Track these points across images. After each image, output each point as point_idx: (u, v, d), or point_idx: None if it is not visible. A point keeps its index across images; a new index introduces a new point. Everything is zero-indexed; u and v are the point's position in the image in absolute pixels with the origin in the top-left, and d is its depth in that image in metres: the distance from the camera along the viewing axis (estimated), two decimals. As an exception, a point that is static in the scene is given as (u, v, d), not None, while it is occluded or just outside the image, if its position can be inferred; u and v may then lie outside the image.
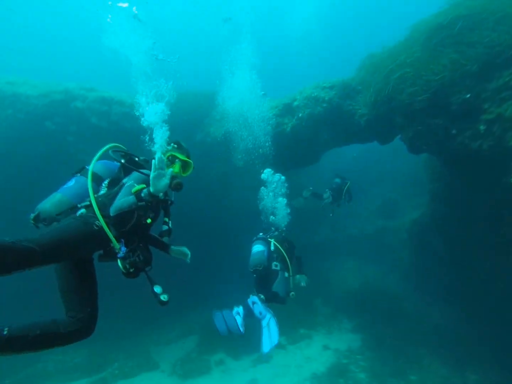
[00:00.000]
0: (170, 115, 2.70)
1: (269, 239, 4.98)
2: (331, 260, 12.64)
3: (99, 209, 2.14)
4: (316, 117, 7.38)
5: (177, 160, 2.57)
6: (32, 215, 2.29)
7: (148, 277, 2.40)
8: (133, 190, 2.23)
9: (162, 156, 2.30)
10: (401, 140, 6.17)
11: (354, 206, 11.62)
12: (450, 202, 7.50)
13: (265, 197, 6.39)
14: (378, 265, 12.03)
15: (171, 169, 2.40)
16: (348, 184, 7.59)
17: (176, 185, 2.41)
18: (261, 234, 5.23)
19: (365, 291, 10.88)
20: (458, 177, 6.26)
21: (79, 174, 2.53)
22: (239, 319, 4.46)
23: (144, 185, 2.25)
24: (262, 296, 4.70)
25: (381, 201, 13.54)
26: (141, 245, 2.35)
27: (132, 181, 2.33)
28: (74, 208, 2.30)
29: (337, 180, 7.80)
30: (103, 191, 2.44)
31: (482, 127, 4.91)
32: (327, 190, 7.75)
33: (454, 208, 7.43)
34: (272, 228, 5.58)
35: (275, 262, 4.80)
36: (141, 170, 2.40)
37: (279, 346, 9.69)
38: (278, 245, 4.82)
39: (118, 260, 2.23)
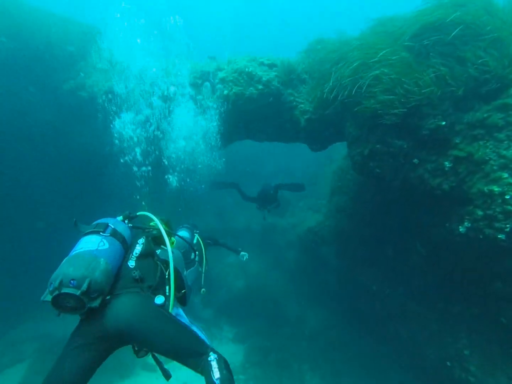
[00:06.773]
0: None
1: (194, 233, 4.88)
2: (213, 252, 11.33)
3: None
4: (246, 99, 5.20)
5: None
6: None
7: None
8: None
9: None
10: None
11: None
12: (358, 220, 6.95)
13: None
14: (262, 261, 11.37)
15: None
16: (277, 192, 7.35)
17: None
18: (186, 224, 4.96)
19: (248, 291, 10.11)
20: (386, 204, 5.48)
21: (108, 235, 1.90)
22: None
23: None
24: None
25: (274, 198, 12.72)
26: None
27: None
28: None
29: (267, 186, 7.37)
30: (131, 262, 1.95)
31: (447, 164, 4.02)
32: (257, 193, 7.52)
33: (361, 227, 6.92)
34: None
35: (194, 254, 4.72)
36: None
37: (147, 367, 7.71)
38: (200, 241, 4.83)
39: None
